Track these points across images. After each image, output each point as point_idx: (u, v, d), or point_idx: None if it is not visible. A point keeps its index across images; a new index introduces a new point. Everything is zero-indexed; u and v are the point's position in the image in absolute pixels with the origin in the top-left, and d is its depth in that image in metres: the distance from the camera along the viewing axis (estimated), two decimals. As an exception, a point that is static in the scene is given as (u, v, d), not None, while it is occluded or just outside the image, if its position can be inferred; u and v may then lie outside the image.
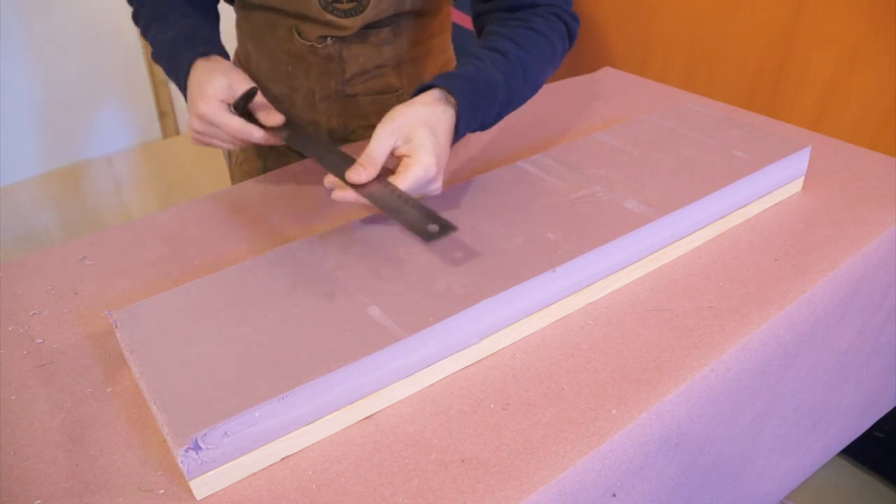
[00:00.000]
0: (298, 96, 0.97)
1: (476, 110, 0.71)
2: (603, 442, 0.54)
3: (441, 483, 0.51)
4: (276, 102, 0.99)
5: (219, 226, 0.81)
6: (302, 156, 0.94)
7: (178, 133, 1.90)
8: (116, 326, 0.59)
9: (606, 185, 0.76)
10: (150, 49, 0.83)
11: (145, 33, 0.84)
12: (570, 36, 0.82)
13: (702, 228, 0.75)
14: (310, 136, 0.74)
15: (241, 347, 0.55)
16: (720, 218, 0.77)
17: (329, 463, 0.53)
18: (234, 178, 1.10)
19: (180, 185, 1.90)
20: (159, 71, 1.79)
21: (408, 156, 0.65)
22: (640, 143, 0.84)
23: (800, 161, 0.83)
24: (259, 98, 0.77)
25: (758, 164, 0.78)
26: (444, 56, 1.03)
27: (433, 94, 0.69)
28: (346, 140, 1.01)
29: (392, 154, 0.66)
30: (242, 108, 0.75)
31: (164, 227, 0.82)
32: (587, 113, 1.07)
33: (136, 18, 0.86)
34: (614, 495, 0.56)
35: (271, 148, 1.02)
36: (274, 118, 0.76)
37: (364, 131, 1.00)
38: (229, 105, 0.74)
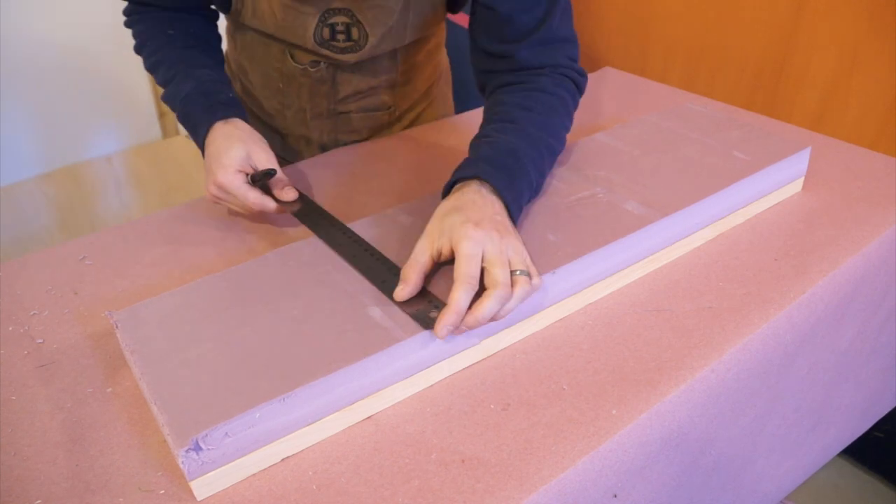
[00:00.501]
0: (290, 112, 0.98)
1: (512, 181, 0.65)
2: (603, 442, 0.54)
3: (441, 483, 0.51)
4: (268, 117, 1.00)
5: (219, 226, 0.81)
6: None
7: (177, 133, 1.90)
8: (117, 327, 0.59)
9: (607, 186, 0.76)
10: (158, 87, 0.85)
11: (153, 71, 0.84)
12: (579, 91, 0.80)
13: (702, 229, 0.75)
14: (322, 211, 0.74)
15: (241, 348, 0.55)
16: (720, 218, 0.77)
17: (329, 463, 0.53)
18: None
19: (180, 185, 1.90)
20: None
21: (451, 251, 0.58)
22: (641, 144, 0.84)
23: (800, 162, 0.83)
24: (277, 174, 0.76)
25: (758, 165, 0.78)
26: (434, 64, 1.02)
27: (457, 188, 0.64)
28: None
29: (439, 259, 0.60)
30: (261, 183, 0.75)
31: (164, 227, 0.82)
32: (587, 113, 1.07)
33: (141, 52, 0.86)
34: (615, 496, 0.56)
35: None
36: (288, 194, 0.76)
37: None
38: (247, 175, 0.74)
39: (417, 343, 0.56)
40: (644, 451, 0.57)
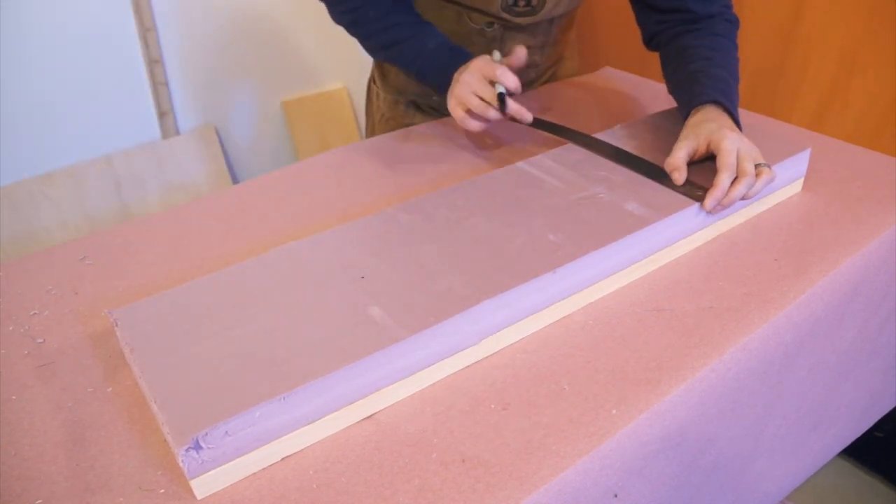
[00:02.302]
0: None
1: (733, 104, 0.83)
2: (603, 442, 0.54)
3: (441, 483, 0.51)
4: None
5: (219, 226, 0.81)
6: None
7: (177, 133, 1.90)
8: (117, 325, 0.59)
9: (607, 186, 0.76)
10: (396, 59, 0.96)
11: (383, 32, 0.94)
12: (736, 32, 0.97)
13: (702, 229, 0.75)
14: (561, 126, 0.89)
15: (241, 347, 0.55)
16: (720, 219, 0.77)
17: (330, 462, 0.53)
18: (374, 133, 1.19)
19: (180, 185, 1.90)
20: (159, 71, 1.79)
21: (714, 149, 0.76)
22: (641, 144, 0.84)
23: (800, 162, 0.83)
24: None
25: (758, 165, 0.78)
26: (572, 32, 1.18)
27: (698, 110, 0.81)
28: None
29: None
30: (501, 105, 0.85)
31: (164, 227, 0.82)
32: (587, 113, 1.07)
33: (364, 16, 0.95)
34: (616, 496, 0.56)
35: (423, 111, 1.14)
36: (525, 116, 0.86)
37: (530, 84, 1.15)
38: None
39: (417, 342, 0.56)
40: (644, 451, 0.57)
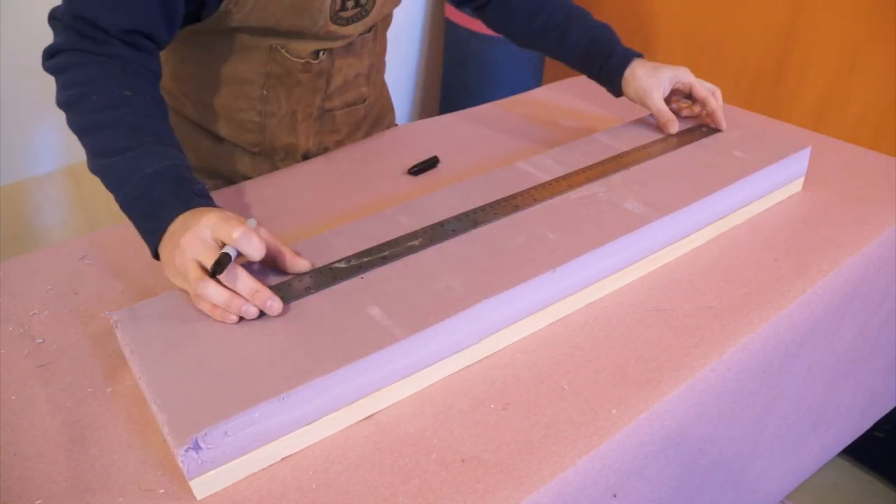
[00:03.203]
0: (274, 120, 0.90)
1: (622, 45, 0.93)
2: (603, 442, 0.54)
3: (441, 483, 0.51)
4: (242, 131, 0.91)
5: (219, 226, 0.81)
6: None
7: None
8: (117, 327, 0.59)
9: (606, 185, 0.76)
10: (86, 153, 0.68)
11: (93, 131, 0.68)
12: None
13: (702, 228, 0.75)
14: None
15: (241, 347, 0.55)
16: (720, 218, 0.77)
17: (329, 463, 0.53)
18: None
19: (180, 185, 1.90)
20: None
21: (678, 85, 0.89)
22: (641, 144, 0.84)
23: (800, 161, 0.83)
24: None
25: (758, 165, 0.78)
26: (384, 61, 1.02)
27: (631, 67, 0.89)
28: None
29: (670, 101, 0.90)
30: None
31: (164, 227, 0.82)
32: (587, 113, 1.07)
33: (76, 103, 0.68)
34: (615, 496, 0.56)
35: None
36: (301, 265, 0.63)
37: (335, 146, 0.99)
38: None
39: (417, 342, 0.56)
40: (644, 451, 0.57)
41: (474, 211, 0.71)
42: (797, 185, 0.85)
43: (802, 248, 0.75)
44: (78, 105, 0.68)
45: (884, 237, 0.77)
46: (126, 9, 0.69)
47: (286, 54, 0.84)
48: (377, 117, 1.05)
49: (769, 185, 0.80)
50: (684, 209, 0.71)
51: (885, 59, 1.40)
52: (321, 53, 0.86)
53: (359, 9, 0.84)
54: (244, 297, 0.57)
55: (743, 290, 0.69)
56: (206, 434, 0.48)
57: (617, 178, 0.77)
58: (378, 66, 0.99)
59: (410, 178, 0.90)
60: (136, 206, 0.64)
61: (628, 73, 0.89)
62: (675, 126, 0.86)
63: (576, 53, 0.93)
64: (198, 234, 0.58)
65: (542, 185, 0.76)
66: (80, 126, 0.69)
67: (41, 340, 0.65)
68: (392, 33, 0.96)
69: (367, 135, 1.04)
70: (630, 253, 0.69)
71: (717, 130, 0.87)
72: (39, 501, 0.50)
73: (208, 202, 0.64)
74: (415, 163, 0.93)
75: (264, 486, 0.51)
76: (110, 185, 0.68)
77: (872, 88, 1.44)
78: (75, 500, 0.50)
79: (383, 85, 1.06)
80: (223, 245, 0.57)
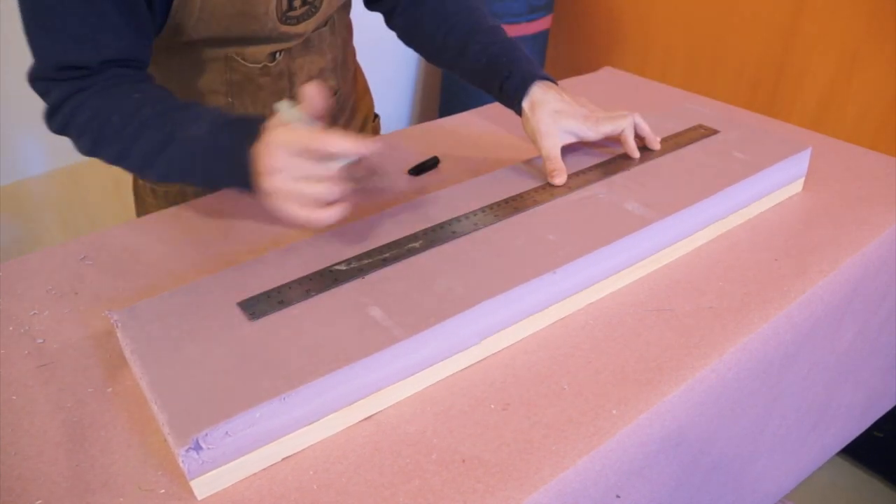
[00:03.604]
0: None
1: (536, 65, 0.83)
2: (603, 442, 0.54)
3: (441, 483, 0.51)
4: None
5: (219, 226, 0.81)
6: None
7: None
8: (117, 326, 0.59)
9: (607, 186, 0.76)
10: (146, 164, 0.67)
11: (133, 142, 0.67)
12: None
13: (702, 229, 0.75)
14: None
15: (241, 347, 0.55)
16: (720, 219, 0.77)
17: (330, 463, 0.53)
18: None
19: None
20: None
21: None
22: (641, 145, 0.84)
23: (800, 162, 0.83)
24: None
25: (758, 166, 0.78)
26: (352, 45, 1.00)
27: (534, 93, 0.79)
28: None
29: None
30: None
31: (164, 227, 0.82)
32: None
33: (103, 133, 0.67)
34: (618, 496, 0.56)
35: None
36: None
37: None
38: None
39: (418, 343, 0.56)
40: (644, 451, 0.57)
41: (475, 212, 0.72)
42: (797, 186, 0.85)
43: (802, 248, 0.75)
44: (102, 139, 0.68)
45: (884, 237, 0.77)
46: (103, 41, 0.67)
47: (242, 61, 0.82)
48: (354, 107, 1.04)
49: (769, 186, 0.80)
50: (684, 210, 0.72)
51: (885, 59, 1.40)
52: (278, 55, 0.84)
53: (307, 6, 0.81)
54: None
55: (743, 291, 0.69)
56: (206, 434, 0.48)
57: (617, 178, 0.77)
58: (343, 56, 0.96)
59: (410, 178, 0.90)
60: (216, 168, 0.65)
61: (527, 105, 0.79)
62: (561, 177, 0.75)
63: (475, 73, 0.84)
64: (288, 155, 0.59)
65: (543, 187, 0.76)
66: (118, 152, 0.68)
67: (41, 340, 0.65)
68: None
69: (348, 126, 1.03)
70: (630, 254, 0.69)
71: (716, 131, 0.87)
72: (39, 501, 0.50)
73: (261, 122, 0.63)
74: (415, 163, 0.93)
75: (265, 486, 0.51)
76: (181, 173, 0.68)
77: (872, 88, 1.45)
78: (75, 500, 0.50)
79: (356, 72, 1.04)
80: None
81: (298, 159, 0.59)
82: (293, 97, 0.87)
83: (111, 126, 0.66)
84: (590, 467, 0.53)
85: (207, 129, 0.64)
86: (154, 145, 0.66)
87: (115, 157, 0.69)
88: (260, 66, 0.84)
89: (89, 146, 0.69)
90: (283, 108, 0.62)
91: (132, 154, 0.67)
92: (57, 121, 0.70)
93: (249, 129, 0.62)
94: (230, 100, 0.86)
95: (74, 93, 0.68)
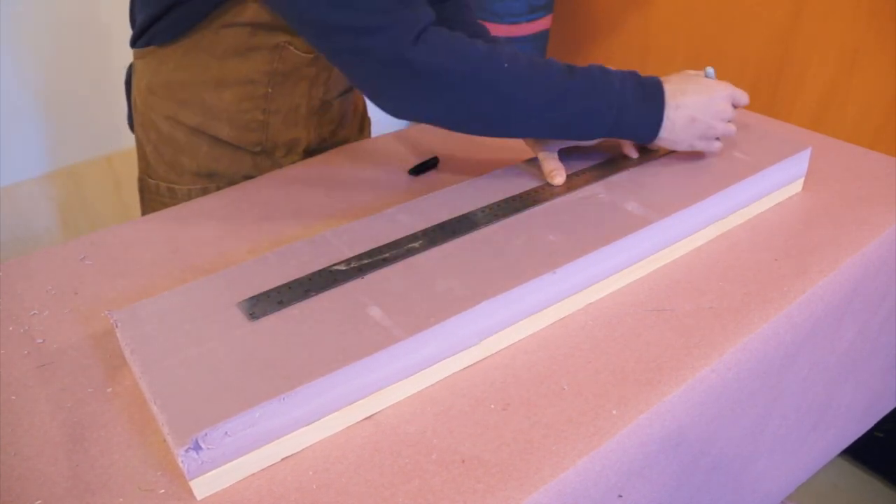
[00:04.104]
0: (278, 118, 0.90)
1: None
2: (603, 442, 0.54)
3: (441, 483, 0.51)
4: (245, 131, 0.90)
5: (219, 226, 0.81)
6: None
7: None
8: (117, 326, 0.59)
9: (607, 187, 0.76)
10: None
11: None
12: None
13: (702, 229, 0.75)
14: None
15: (241, 347, 0.55)
16: (720, 219, 0.77)
17: (329, 463, 0.53)
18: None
19: (180, 185, 1.90)
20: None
21: None
22: (641, 145, 0.84)
23: (800, 162, 0.83)
24: None
25: (758, 166, 0.78)
26: None
27: None
28: (319, 151, 0.99)
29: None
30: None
31: (164, 227, 0.82)
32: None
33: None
34: (620, 496, 0.56)
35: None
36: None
37: (331, 136, 1.00)
38: None
39: (418, 343, 0.56)
40: (644, 451, 0.57)
41: (475, 212, 0.72)
42: (797, 186, 0.85)
43: (802, 248, 0.75)
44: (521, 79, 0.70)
45: (884, 237, 0.77)
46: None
47: (294, 50, 0.84)
48: (366, 104, 1.05)
49: (769, 186, 0.80)
50: (684, 210, 0.71)
51: (885, 59, 1.40)
52: None
53: None
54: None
55: (743, 291, 0.69)
56: (206, 434, 0.48)
57: (617, 179, 0.77)
58: None
59: (410, 178, 0.90)
60: (639, 119, 0.75)
61: None
62: (560, 177, 0.76)
63: None
64: (720, 101, 0.78)
65: (543, 187, 0.76)
66: (546, 100, 0.71)
67: (41, 340, 0.65)
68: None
69: (360, 125, 1.04)
70: (630, 254, 0.69)
71: None
72: (39, 501, 0.50)
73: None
74: (415, 163, 0.93)
75: (264, 486, 0.51)
76: (589, 127, 0.74)
77: (872, 88, 1.45)
78: (75, 500, 0.50)
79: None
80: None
81: (724, 108, 0.78)
82: (330, 88, 0.91)
83: (508, 58, 0.70)
84: (590, 467, 0.53)
85: (623, 85, 0.74)
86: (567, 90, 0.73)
87: (536, 107, 0.71)
88: (312, 56, 0.85)
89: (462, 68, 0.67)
90: (710, 72, 0.83)
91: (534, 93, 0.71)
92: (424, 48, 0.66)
93: (656, 91, 0.76)
94: (269, 90, 0.87)
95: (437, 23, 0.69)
